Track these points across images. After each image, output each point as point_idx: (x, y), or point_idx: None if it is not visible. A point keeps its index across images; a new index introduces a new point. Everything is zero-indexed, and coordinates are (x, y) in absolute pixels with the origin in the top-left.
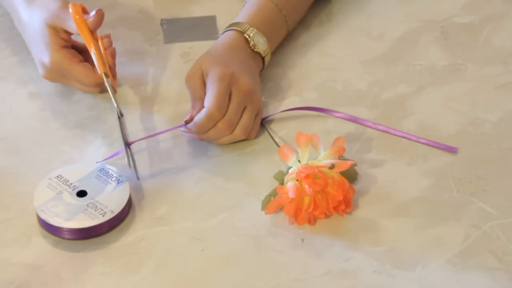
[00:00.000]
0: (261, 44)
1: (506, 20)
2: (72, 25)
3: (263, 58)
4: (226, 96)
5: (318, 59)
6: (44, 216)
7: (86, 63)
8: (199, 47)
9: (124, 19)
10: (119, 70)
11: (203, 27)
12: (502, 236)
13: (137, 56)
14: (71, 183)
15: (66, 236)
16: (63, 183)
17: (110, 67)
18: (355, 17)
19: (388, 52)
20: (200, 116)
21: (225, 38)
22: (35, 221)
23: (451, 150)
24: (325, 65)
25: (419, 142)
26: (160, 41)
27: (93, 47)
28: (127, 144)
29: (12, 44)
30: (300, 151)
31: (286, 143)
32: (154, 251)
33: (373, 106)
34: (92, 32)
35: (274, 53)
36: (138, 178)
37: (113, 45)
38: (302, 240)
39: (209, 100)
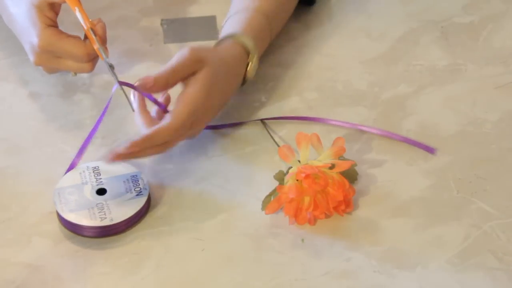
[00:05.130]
0: (253, 70)
1: (506, 20)
2: None
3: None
4: (176, 133)
5: (318, 59)
6: (55, 199)
7: (75, 36)
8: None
9: (124, 19)
10: (119, 70)
11: (203, 27)
12: (502, 236)
13: (137, 56)
14: (100, 178)
15: (68, 227)
16: (94, 175)
17: (103, 39)
18: (355, 17)
19: (388, 52)
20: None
21: (235, 55)
22: (35, 221)
23: (430, 151)
24: (325, 65)
25: (396, 140)
26: (160, 41)
27: (76, 7)
28: (120, 83)
29: (12, 44)
30: (300, 151)
31: (286, 143)
32: (154, 251)
33: (373, 106)
34: None
35: (274, 53)
36: (133, 110)
37: (105, 25)
38: (302, 240)
39: (163, 129)
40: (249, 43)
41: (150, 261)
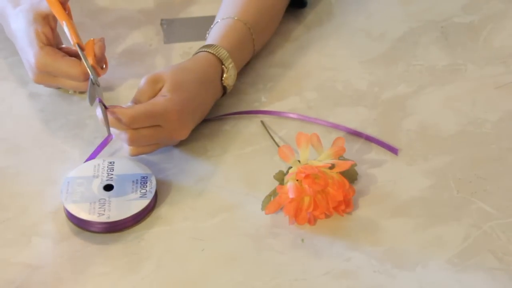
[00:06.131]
0: (231, 78)
1: (506, 20)
2: (45, 5)
3: (224, 89)
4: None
5: (318, 59)
6: (62, 188)
7: (70, 57)
8: (199, 47)
9: (124, 19)
10: (119, 70)
11: (203, 27)
12: (502, 236)
13: (137, 56)
14: (111, 174)
15: (68, 216)
16: (107, 170)
17: (99, 58)
18: (355, 17)
19: (388, 52)
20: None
21: (203, 62)
22: (35, 221)
23: (393, 151)
24: (325, 65)
25: (362, 137)
26: (160, 41)
27: (64, 21)
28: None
29: (12, 44)
30: (300, 151)
31: (286, 143)
32: (154, 251)
33: (373, 106)
34: (64, 7)
35: (274, 53)
36: (109, 133)
37: (104, 46)
38: (302, 240)
39: (140, 109)
40: (222, 52)
41: (150, 261)
